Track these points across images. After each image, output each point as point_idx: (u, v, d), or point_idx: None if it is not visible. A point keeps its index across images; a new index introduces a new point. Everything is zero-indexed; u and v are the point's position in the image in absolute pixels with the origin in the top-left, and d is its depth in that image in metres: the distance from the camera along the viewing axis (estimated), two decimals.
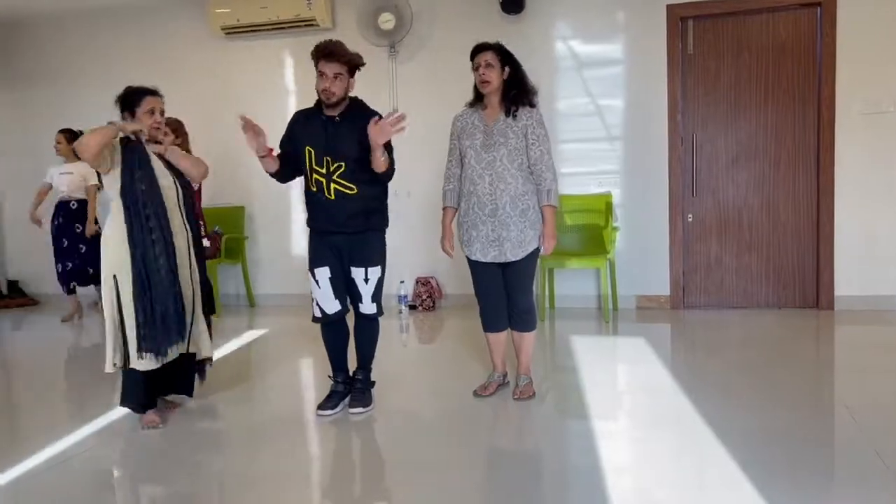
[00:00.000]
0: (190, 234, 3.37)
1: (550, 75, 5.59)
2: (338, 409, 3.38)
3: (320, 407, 3.37)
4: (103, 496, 2.66)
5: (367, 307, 3.37)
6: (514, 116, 3.29)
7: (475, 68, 3.31)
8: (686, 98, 5.48)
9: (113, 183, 3.21)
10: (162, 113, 3.31)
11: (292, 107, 6.18)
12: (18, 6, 6.38)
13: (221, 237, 6.04)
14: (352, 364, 3.50)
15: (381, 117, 3.12)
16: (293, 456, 2.98)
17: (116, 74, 6.60)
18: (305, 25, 5.94)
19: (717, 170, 5.49)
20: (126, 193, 3.20)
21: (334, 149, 3.21)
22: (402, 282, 5.86)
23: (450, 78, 5.70)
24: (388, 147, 3.22)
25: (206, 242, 4.90)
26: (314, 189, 3.27)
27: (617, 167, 5.60)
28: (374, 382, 3.54)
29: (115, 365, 3.26)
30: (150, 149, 3.29)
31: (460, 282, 5.70)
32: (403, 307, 5.88)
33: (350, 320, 3.45)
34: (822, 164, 5.25)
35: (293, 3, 5.84)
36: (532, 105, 3.35)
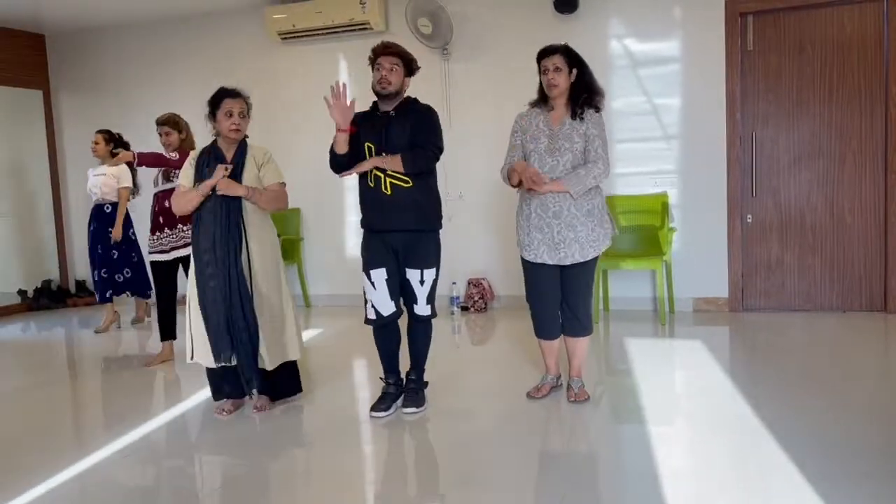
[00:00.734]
0: (248, 252, 3.39)
1: (605, 74, 5.52)
2: (391, 411, 3.40)
3: (374, 409, 3.39)
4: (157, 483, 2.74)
5: (422, 308, 3.38)
6: (581, 119, 3.26)
7: (542, 71, 3.27)
8: (745, 96, 5.34)
9: None
10: (241, 114, 3.38)
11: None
12: (83, 16, 6.62)
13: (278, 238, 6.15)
14: (404, 365, 3.52)
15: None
16: (346, 455, 3.01)
17: (176, 80, 6.81)
18: (359, 29, 6.01)
19: (777, 169, 5.34)
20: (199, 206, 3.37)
21: (390, 143, 3.24)
22: (454, 283, 5.87)
23: (503, 78, 5.68)
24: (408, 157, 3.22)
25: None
26: (372, 185, 3.28)
27: (673, 167, 5.50)
28: (427, 383, 3.55)
29: (191, 359, 3.47)
30: (230, 191, 3.31)
31: (512, 283, 5.67)
32: (455, 308, 5.89)
33: (402, 322, 3.46)
34: (889, 164, 5.06)
35: (347, 7, 5.91)
36: (598, 108, 3.31)
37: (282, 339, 3.49)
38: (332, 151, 3.31)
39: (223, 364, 3.38)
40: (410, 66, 3.31)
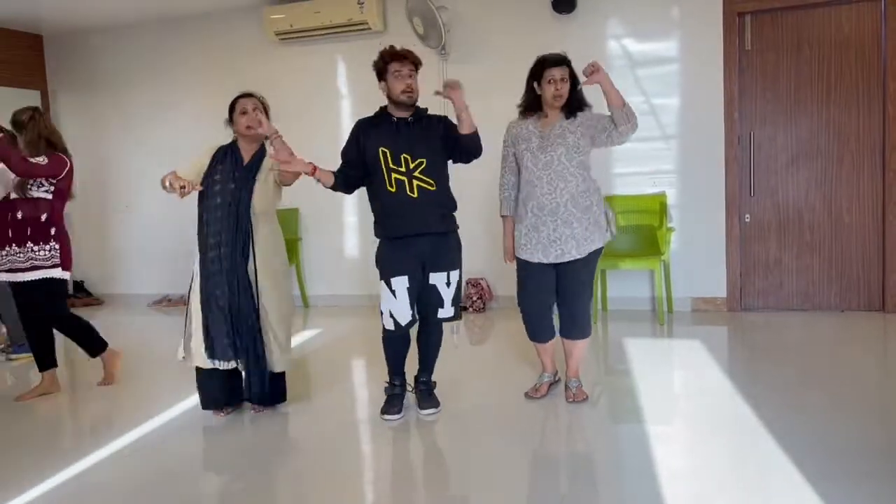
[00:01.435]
0: (254, 254, 3.34)
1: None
2: (402, 414, 3.37)
3: (385, 412, 3.36)
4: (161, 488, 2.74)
5: (447, 311, 3.33)
6: (574, 117, 3.29)
7: (549, 80, 3.25)
8: (743, 95, 5.34)
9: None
10: (255, 109, 3.36)
11: (344, 110, 6.26)
12: (81, 16, 6.61)
13: None
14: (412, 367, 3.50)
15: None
16: (347, 458, 3.01)
17: (174, 81, 6.81)
18: (358, 29, 6.00)
19: (775, 169, 5.34)
20: (201, 202, 3.36)
21: (412, 147, 3.21)
22: None
23: (501, 79, 5.67)
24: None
25: (63, 273, 3.90)
26: (393, 189, 3.20)
27: (672, 167, 5.50)
28: (435, 383, 3.53)
29: (182, 358, 3.43)
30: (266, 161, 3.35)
31: (510, 283, 5.62)
32: None
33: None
34: (887, 163, 5.06)
35: (345, 7, 5.90)
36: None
37: (286, 343, 3.47)
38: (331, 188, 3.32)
39: (216, 366, 3.34)
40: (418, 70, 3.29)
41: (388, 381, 3.46)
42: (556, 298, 3.41)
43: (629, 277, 5.60)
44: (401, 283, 3.23)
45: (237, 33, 6.56)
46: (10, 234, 3.79)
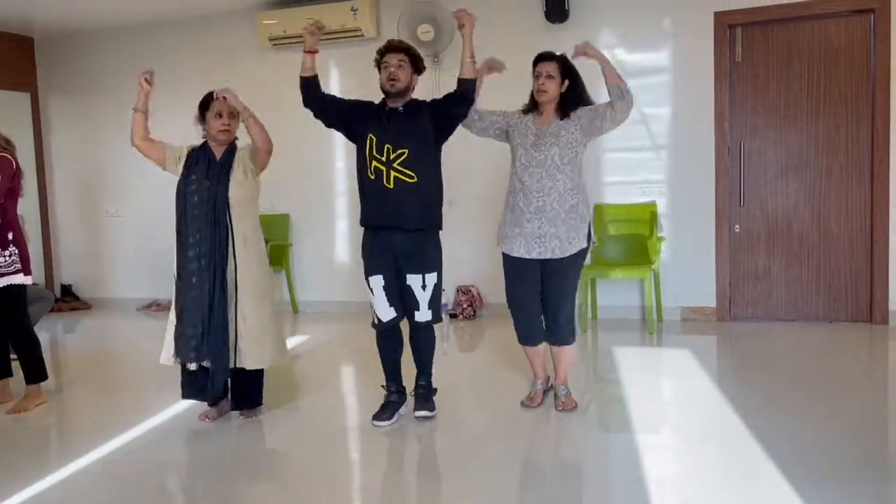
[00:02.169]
0: (234, 251, 3.33)
1: (595, 84, 5.52)
2: (393, 420, 3.35)
3: (376, 418, 3.34)
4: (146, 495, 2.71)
5: (423, 314, 3.31)
6: (569, 117, 3.30)
7: (535, 76, 3.30)
8: (733, 107, 5.38)
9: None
10: (230, 115, 3.38)
11: None
12: (72, 19, 6.58)
13: (266, 244, 6.12)
14: (407, 374, 3.49)
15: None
16: (335, 465, 3.00)
17: (165, 84, 6.76)
18: (351, 36, 6.01)
19: (765, 180, 5.37)
20: (177, 198, 3.35)
21: (396, 137, 3.20)
22: (443, 290, 5.85)
23: (494, 85, 5.68)
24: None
25: (24, 279, 3.75)
26: (372, 177, 3.22)
27: (662, 176, 5.53)
28: (436, 389, 3.51)
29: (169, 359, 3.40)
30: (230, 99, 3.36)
31: (501, 290, 5.63)
32: (444, 316, 5.87)
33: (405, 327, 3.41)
34: (876, 176, 5.10)
35: (339, 13, 5.91)
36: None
37: (264, 342, 3.41)
38: (302, 78, 3.38)
39: (182, 364, 3.33)
40: (417, 64, 3.31)
41: (384, 386, 3.46)
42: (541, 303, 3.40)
43: (619, 286, 5.62)
44: (376, 281, 3.28)
45: (230, 38, 6.55)
46: None
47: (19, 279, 3.69)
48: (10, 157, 3.72)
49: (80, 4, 6.16)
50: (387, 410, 3.36)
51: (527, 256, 3.31)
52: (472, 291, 5.95)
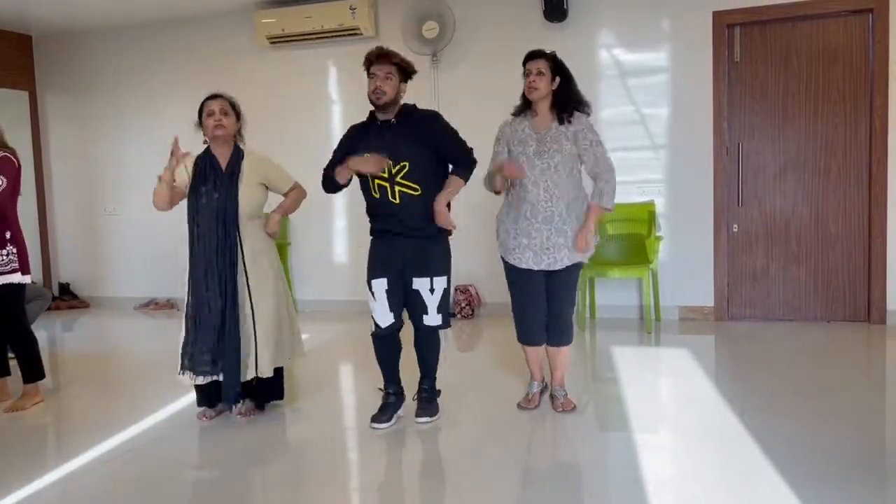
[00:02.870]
0: (244, 265, 3.33)
1: (594, 83, 5.55)
2: (392, 422, 3.33)
3: (374, 420, 3.31)
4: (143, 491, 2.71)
5: (433, 318, 3.26)
6: (569, 122, 3.25)
7: (525, 74, 3.27)
8: (732, 106, 5.39)
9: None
10: (222, 111, 3.35)
11: (336, 115, 6.26)
12: (71, 17, 6.57)
13: None
14: (406, 374, 3.49)
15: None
16: (332, 466, 2.99)
17: (163, 83, 6.78)
18: (349, 34, 6.00)
19: (763, 180, 5.38)
20: (189, 210, 3.35)
21: (395, 151, 3.14)
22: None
23: (492, 86, 5.70)
24: (460, 155, 3.27)
25: (23, 278, 3.73)
26: (377, 195, 3.21)
27: (661, 176, 5.53)
28: (440, 391, 3.48)
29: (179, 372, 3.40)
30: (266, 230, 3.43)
31: (499, 290, 5.64)
32: None
33: (404, 332, 3.39)
34: (874, 176, 5.11)
35: (337, 12, 5.90)
36: (583, 112, 3.31)
37: (279, 343, 3.44)
38: (328, 176, 3.27)
39: (194, 381, 3.34)
40: (406, 72, 3.22)
41: (381, 388, 3.44)
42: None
43: (617, 286, 5.62)
44: (379, 285, 3.23)
45: (229, 37, 6.54)
46: None
47: (17, 278, 3.68)
48: (10, 155, 3.71)
49: (79, 3, 6.15)
50: (385, 412, 3.33)
51: (536, 268, 3.28)
52: (470, 291, 5.95)
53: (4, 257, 3.65)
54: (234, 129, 3.41)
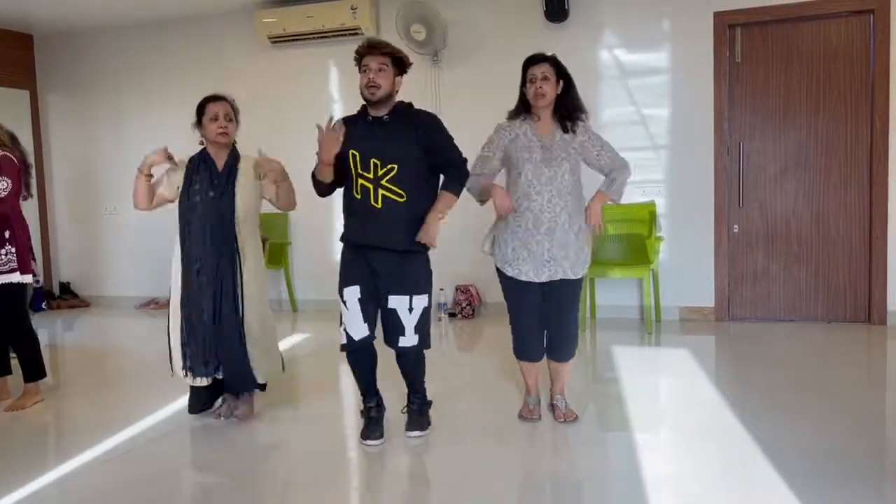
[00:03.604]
0: (239, 265, 3.30)
1: (595, 84, 5.55)
2: (384, 438, 3.13)
3: (365, 437, 3.12)
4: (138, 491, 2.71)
5: (409, 339, 3.01)
6: (573, 132, 3.15)
7: (530, 80, 3.11)
8: (733, 107, 5.38)
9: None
10: (227, 117, 3.30)
11: (337, 115, 6.21)
12: (72, 17, 6.57)
13: (266, 242, 6.11)
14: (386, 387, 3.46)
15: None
16: (328, 473, 2.99)
17: (165, 83, 6.78)
18: (350, 34, 6.00)
19: (764, 180, 5.38)
20: (180, 208, 3.31)
21: (384, 151, 2.92)
22: (441, 289, 5.87)
23: (493, 86, 5.67)
24: (452, 161, 3.06)
25: (22, 277, 3.71)
26: (358, 196, 2.96)
27: (661, 176, 5.53)
28: (430, 403, 3.31)
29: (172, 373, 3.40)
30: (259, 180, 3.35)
31: (499, 290, 5.65)
32: (443, 315, 5.88)
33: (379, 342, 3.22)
34: (875, 177, 5.11)
35: (338, 12, 5.91)
36: (582, 121, 3.21)
37: (273, 352, 3.46)
38: (314, 176, 3.06)
39: (194, 384, 3.34)
40: (401, 65, 2.99)
41: (362, 410, 3.24)
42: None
43: (618, 286, 5.62)
44: (352, 293, 3.01)
45: (229, 36, 6.55)
46: None
47: (16, 278, 3.67)
48: (10, 155, 3.70)
49: (80, 2, 6.15)
50: (375, 427, 3.13)
51: (536, 280, 3.15)
52: (470, 291, 5.95)
53: (3, 257, 3.63)
54: (235, 135, 3.37)
